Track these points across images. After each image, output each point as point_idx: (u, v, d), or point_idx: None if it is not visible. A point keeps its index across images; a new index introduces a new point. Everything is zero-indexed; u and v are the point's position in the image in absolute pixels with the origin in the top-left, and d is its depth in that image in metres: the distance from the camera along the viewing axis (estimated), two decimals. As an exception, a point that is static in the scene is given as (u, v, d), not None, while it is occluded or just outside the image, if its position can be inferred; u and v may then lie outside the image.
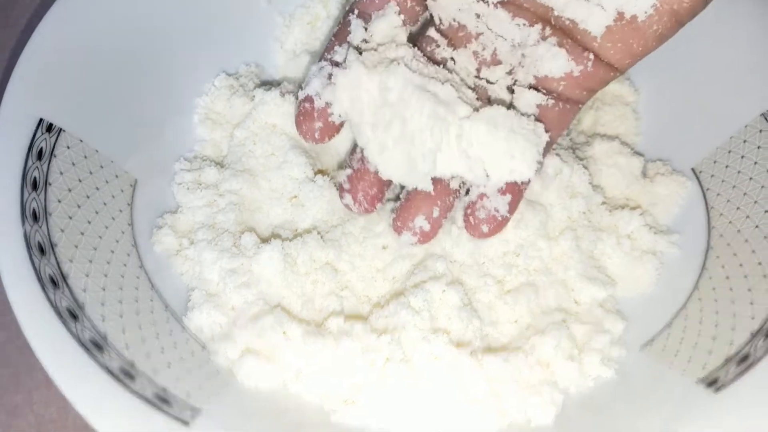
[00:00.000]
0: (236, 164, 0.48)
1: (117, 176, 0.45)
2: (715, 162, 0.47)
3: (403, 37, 0.42)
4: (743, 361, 0.37)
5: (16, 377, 0.46)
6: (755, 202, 0.43)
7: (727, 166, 0.46)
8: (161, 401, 0.34)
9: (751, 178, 0.44)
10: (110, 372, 0.34)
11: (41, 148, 0.41)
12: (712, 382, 0.37)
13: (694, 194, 0.47)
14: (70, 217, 0.40)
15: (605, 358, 0.41)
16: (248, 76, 0.54)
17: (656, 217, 0.48)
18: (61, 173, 0.41)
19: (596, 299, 0.44)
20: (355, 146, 0.43)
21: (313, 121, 0.41)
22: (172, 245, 0.44)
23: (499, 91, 0.42)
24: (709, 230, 0.45)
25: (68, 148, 0.43)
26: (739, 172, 0.45)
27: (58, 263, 0.38)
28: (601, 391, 0.40)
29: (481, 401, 0.39)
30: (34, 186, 0.40)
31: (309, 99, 0.41)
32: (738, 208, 0.44)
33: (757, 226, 0.42)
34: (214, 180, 0.48)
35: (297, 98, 0.42)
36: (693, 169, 0.48)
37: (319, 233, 0.45)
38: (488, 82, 0.42)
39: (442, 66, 0.42)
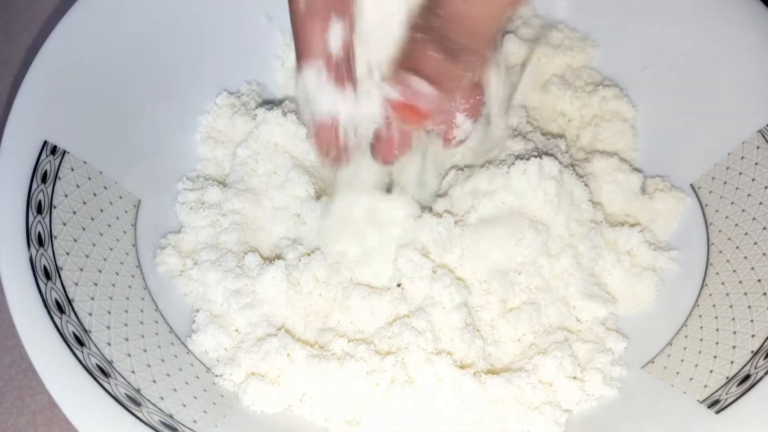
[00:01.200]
0: (239, 183, 0.48)
1: (121, 197, 0.45)
2: (713, 178, 0.47)
3: None
4: (744, 381, 0.37)
5: (21, 400, 0.47)
6: (753, 218, 0.44)
7: (725, 183, 0.46)
8: (168, 428, 0.34)
9: (749, 195, 0.45)
10: (117, 399, 0.34)
11: (46, 171, 0.41)
12: (714, 403, 0.37)
13: (693, 210, 0.48)
14: (75, 240, 0.40)
15: (607, 377, 0.41)
16: (250, 95, 0.54)
17: (655, 233, 0.48)
18: (66, 195, 0.42)
19: (597, 317, 0.44)
20: None
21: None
22: (175, 266, 0.45)
23: None
24: (708, 246, 0.45)
25: (72, 170, 0.43)
26: (737, 188, 0.46)
27: (63, 287, 0.38)
28: (604, 411, 0.40)
29: (484, 422, 0.39)
30: (39, 209, 0.40)
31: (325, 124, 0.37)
32: (737, 225, 0.45)
33: (755, 243, 0.43)
34: (216, 199, 0.48)
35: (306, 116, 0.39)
36: (692, 185, 0.48)
37: (322, 253, 0.45)
38: None
39: None
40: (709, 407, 0.37)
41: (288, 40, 0.56)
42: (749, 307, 0.40)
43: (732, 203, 0.46)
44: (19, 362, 0.48)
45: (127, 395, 0.35)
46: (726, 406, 0.36)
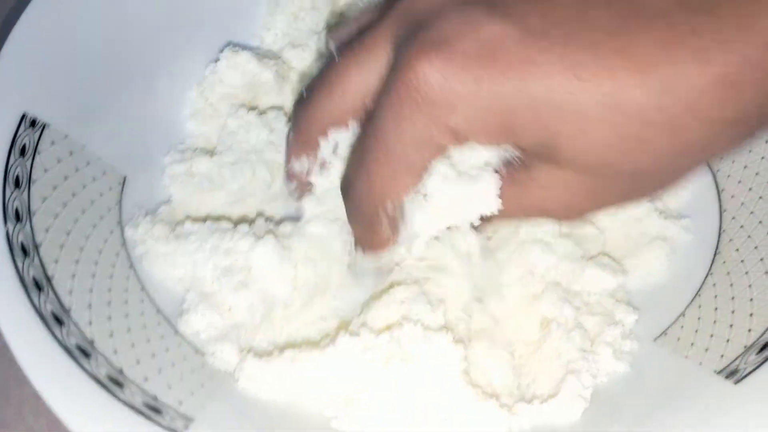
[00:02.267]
0: (228, 154, 0.46)
1: (105, 173, 0.43)
2: (724, 143, 0.45)
3: None
4: (764, 349, 0.35)
5: (6, 391, 0.45)
6: (768, 181, 0.42)
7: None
8: (152, 410, 0.32)
9: (763, 157, 0.43)
10: (97, 380, 0.32)
11: (24, 145, 0.39)
12: (732, 374, 0.35)
13: (704, 177, 0.46)
14: (55, 216, 0.38)
15: (617, 351, 0.40)
16: None
17: (666, 201, 0.46)
18: (46, 170, 0.40)
19: (607, 288, 0.42)
20: None
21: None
22: (163, 241, 0.43)
23: None
24: (720, 213, 0.44)
25: (53, 144, 0.41)
26: (750, 151, 0.44)
27: (42, 264, 0.36)
28: (617, 387, 0.38)
29: (488, 401, 0.37)
30: (17, 184, 0.38)
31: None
32: (750, 189, 0.43)
33: (773, 207, 0.41)
34: (206, 170, 0.46)
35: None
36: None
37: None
38: None
39: None
40: (726, 377, 0.35)
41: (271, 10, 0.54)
42: (766, 272, 0.38)
43: (745, 167, 0.44)
44: (4, 352, 0.46)
45: (108, 376, 0.33)
46: (745, 376, 0.34)
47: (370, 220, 0.36)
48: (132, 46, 0.48)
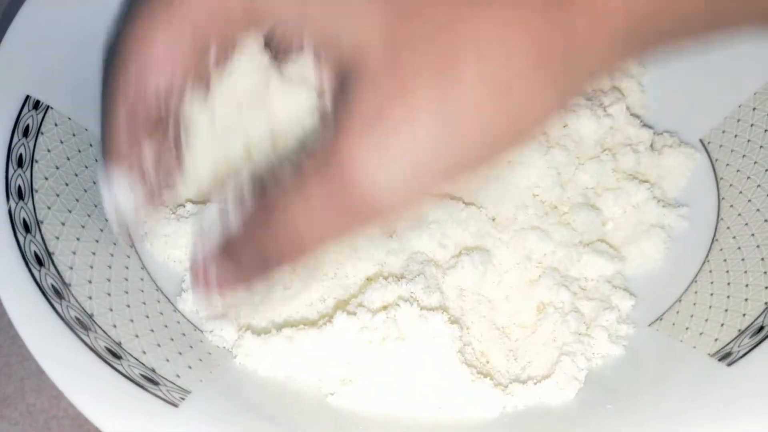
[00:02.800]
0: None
1: (107, 154, 0.43)
2: (723, 132, 0.45)
3: None
4: (758, 332, 0.35)
5: (8, 367, 0.45)
6: (766, 170, 0.42)
7: (736, 136, 0.45)
8: (149, 382, 0.33)
9: (761, 146, 0.43)
10: (96, 352, 0.33)
11: (28, 125, 0.40)
12: (725, 356, 0.35)
13: (702, 166, 0.46)
14: (58, 195, 0.39)
15: (613, 335, 0.40)
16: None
17: (665, 190, 0.46)
18: (49, 151, 0.40)
19: (604, 274, 0.42)
20: None
21: None
22: (164, 222, 0.43)
23: None
24: (718, 201, 0.44)
25: (56, 125, 0.41)
26: (749, 140, 0.44)
27: (43, 240, 0.36)
28: (611, 369, 0.39)
29: (483, 381, 0.37)
30: (20, 163, 0.38)
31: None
32: (748, 178, 0.43)
33: (768, 196, 0.41)
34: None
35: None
36: (701, 141, 0.47)
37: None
38: None
39: None
40: (720, 360, 0.35)
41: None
42: (762, 259, 0.39)
43: (743, 156, 0.44)
44: (7, 329, 0.47)
45: (107, 348, 0.33)
46: (738, 358, 0.35)
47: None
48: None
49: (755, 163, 0.43)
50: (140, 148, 0.32)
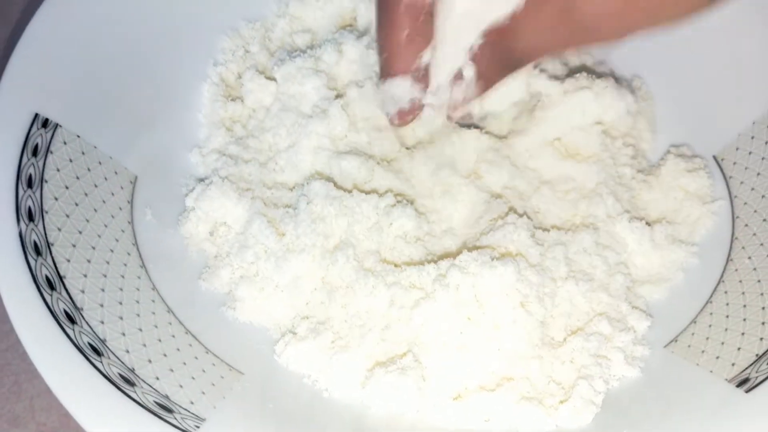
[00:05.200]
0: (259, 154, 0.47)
1: (116, 173, 0.43)
2: (737, 149, 0.45)
3: None
4: (775, 358, 0.35)
5: (18, 385, 0.45)
6: (781, 189, 0.42)
7: (750, 153, 0.44)
8: (164, 410, 0.33)
9: (776, 165, 0.43)
10: (109, 379, 0.32)
11: (37, 144, 0.40)
12: (743, 382, 0.35)
13: (717, 183, 0.45)
14: (68, 216, 0.39)
15: (629, 356, 0.39)
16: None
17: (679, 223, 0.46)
18: (58, 170, 0.40)
19: (622, 293, 0.42)
20: None
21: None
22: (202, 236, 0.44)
23: None
24: (733, 220, 0.43)
25: (65, 144, 0.41)
26: (763, 158, 0.44)
27: (54, 263, 0.36)
28: (628, 393, 0.38)
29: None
30: (30, 183, 0.38)
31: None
32: (763, 197, 0.43)
33: (784, 215, 0.41)
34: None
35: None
36: (714, 157, 0.46)
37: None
38: None
39: None
40: (737, 386, 0.35)
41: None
42: (778, 281, 0.38)
43: (758, 174, 0.43)
44: (16, 347, 0.47)
45: (120, 375, 0.33)
46: (756, 385, 0.34)
47: (397, 39, 0.37)
48: (141, 46, 0.48)
49: (771, 181, 0.42)
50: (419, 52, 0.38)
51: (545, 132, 0.46)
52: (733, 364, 0.36)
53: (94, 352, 0.33)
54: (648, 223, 0.44)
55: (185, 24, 0.50)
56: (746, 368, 0.35)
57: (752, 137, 0.44)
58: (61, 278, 0.36)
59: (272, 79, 0.49)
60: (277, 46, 0.53)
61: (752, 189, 0.43)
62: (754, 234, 0.41)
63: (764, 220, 0.41)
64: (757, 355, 0.36)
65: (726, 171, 0.45)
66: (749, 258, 0.41)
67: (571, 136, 0.46)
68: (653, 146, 0.49)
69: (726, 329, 0.38)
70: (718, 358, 0.37)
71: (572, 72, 0.48)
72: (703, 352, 0.38)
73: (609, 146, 0.46)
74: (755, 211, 0.42)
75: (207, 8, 0.51)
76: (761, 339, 0.36)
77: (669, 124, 0.49)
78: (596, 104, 0.46)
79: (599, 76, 0.48)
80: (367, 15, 0.52)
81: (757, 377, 0.35)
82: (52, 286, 0.35)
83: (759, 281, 0.39)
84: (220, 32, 0.52)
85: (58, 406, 0.44)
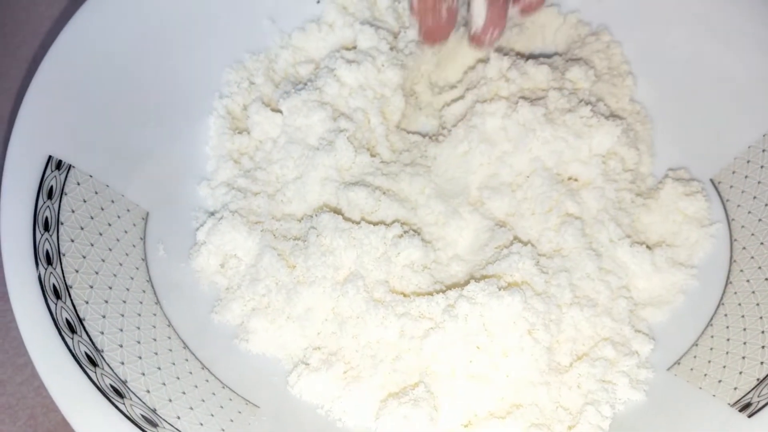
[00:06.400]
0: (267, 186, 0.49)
1: (128, 210, 0.44)
2: (734, 172, 0.46)
3: None
4: (776, 382, 0.36)
5: (34, 419, 0.46)
6: (778, 213, 0.43)
7: (746, 177, 0.45)
8: (186, 449, 0.34)
9: (772, 188, 0.44)
10: (133, 421, 0.33)
11: (51, 187, 0.41)
12: (745, 407, 0.36)
13: (714, 206, 0.47)
14: (84, 257, 0.40)
15: (633, 380, 0.40)
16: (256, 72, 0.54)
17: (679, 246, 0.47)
18: (73, 211, 0.41)
19: (625, 317, 0.43)
20: None
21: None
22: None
23: None
24: (731, 243, 0.44)
25: (78, 184, 0.42)
26: (759, 182, 0.45)
27: (74, 306, 0.37)
28: (634, 417, 0.40)
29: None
30: (46, 226, 0.39)
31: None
32: (760, 220, 0.44)
33: (780, 238, 0.42)
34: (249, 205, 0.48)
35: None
36: (712, 180, 0.47)
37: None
38: None
39: None
40: (740, 411, 0.36)
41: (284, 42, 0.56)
42: (777, 304, 0.39)
43: (754, 198, 0.45)
44: (31, 380, 0.48)
45: (143, 416, 0.34)
46: (758, 410, 0.35)
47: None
48: (146, 83, 0.49)
49: (766, 205, 0.43)
50: None
51: (544, 163, 0.47)
52: (735, 388, 0.37)
53: (116, 393, 0.34)
54: (648, 247, 0.45)
55: (189, 57, 0.51)
56: (748, 392, 0.37)
57: (748, 161, 0.45)
58: (80, 321, 0.37)
59: (278, 110, 0.51)
60: (281, 77, 0.54)
61: (749, 212, 0.44)
62: (752, 257, 0.42)
63: (761, 243, 0.43)
64: (758, 379, 0.37)
65: (723, 194, 0.46)
66: (747, 281, 0.42)
67: (569, 166, 0.47)
68: (652, 170, 0.50)
69: (727, 352, 0.39)
70: (720, 381, 0.38)
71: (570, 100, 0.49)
72: (705, 375, 0.39)
73: (608, 172, 0.47)
74: (752, 234, 0.43)
75: (211, 41, 0.52)
76: (762, 363, 0.37)
77: (667, 148, 0.50)
78: (583, 141, 0.47)
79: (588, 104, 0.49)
80: (365, 44, 0.53)
81: (759, 402, 0.36)
82: (72, 329, 0.36)
83: (758, 304, 0.40)
84: (225, 65, 0.53)
85: None
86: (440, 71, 0.56)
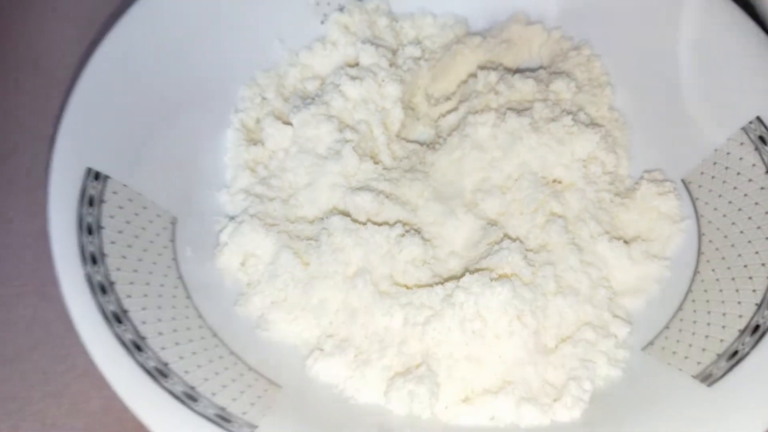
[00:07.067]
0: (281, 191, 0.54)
1: (158, 215, 0.49)
2: (702, 173, 0.51)
3: None
4: (732, 356, 0.41)
5: (75, 405, 0.50)
6: (739, 209, 0.48)
7: (713, 177, 0.50)
8: (222, 420, 0.39)
9: (735, 188, 0.49)
10: (176, 396, 0.39)
11: (91, 196, 0.45)
12: (706, 378, 0.41)
13: (685, 204, 0.52)
14: (124, 257, 0.45)
15: (612, 359, 0.46)
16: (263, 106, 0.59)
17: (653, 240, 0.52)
18: (111, 217, 0.46)
19: (604, 304, 0.48)
20: None
21: None
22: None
23: None
24: (699, 237, 0.49)
25: (115, 193, 0.47)
26: (724, 182, 0.50)
27: (118, 300, 0.42)
28: (611, 390, 0.45)
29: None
30: (90, 231, 0.44)
31: None
32: (724, 216, 0.49)
33: (741, 232, 0.47)
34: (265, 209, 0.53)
35: None
36: (683, 180, 0.52)
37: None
38: None
39: None
40: (702, 381, 0.41)
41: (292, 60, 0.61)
42: (737, 290, 0.45)
43: (720, 196, 0.50)
44: (72, 370, 0.52)
45: (184, 392, 0.39)
46: (717, 379, 0.41)
47: None
48: (172, 101, 0.54)
49: (730, 202, 0.49)
50: None
51: (530, 167, 0.52)
52: (698, 363, 0.42)
53: (160, 374, 0.39)
54: (626, 242, 0.50)
55: (209, 77, 0.56)
56: (709, 366, 0.42)
57: (714, 163, 0.51)
58: (125, 312, 0.42)
59: (288, 123, 0.56)
60: (291, 92, 0.59)
61: (715, 209, 0.49)
62: (717, 249, 0.48)
63: (725, 236, 0.48)
64: (717, 354, 0.42)
65: (693, 193, 0.51)
66: (713, 270, 0.47)
67: (553, 170, 0.52)
68: (629, 172, 0.55)
69: (693, 333, 0.45)
70: (686, 358, 0.43)
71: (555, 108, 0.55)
72: (674, 353, 0.44)
73: (589, 175, 0.52)
74: (718, 229, 0.48)
75: (227, 61, 0.57)
76: (722, 341, 0.43)
77: (643, 152, 0.55)
78: (566, 147, 0.53)
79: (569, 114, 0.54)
80: (367, 61, 0.58)
81: (717, 373, 0.41)
82: (119, 320, 0.41)
83: (721, 290, 0.45)
84: (240, 82, 0.59)
85: (112, 422, 0.50)
86: (436, 84, 0.61)
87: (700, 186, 0.51)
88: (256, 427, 0.39)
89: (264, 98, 0.59)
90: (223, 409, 0.40)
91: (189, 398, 0.39)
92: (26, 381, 0.52)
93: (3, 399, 0.51)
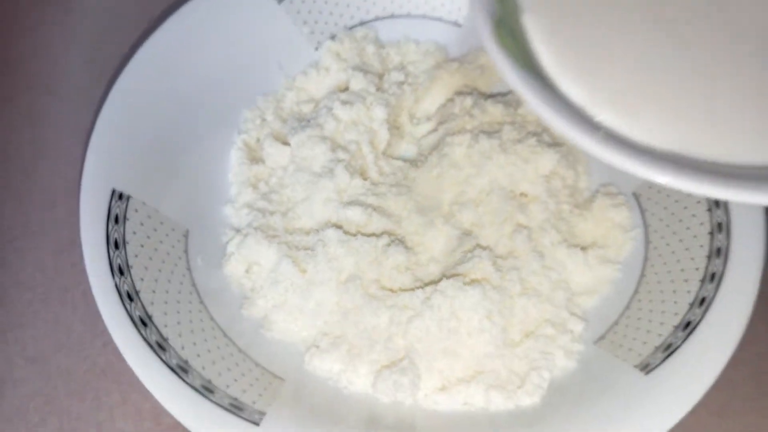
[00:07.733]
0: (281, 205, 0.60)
1: (173, 229, 0.55)
2: (650, 187, 0.57)
3: None
4: (667, 348, 0.48)
5: (98, 400, 0.55)
6: (680, 220, 0.54)
7: (659, 191, 0.57)
8: (236, 408, 0.46)
9: (676, 201, 0.55)
10: (195, 389, 0.45)
11: (117, 214, 0.51)
12: (645, 367, 0.48)
13: (635, 215, 0.58)
14: (146, 268, 0.51)
15: (568, 352, 0.52)
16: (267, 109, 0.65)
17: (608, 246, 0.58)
18: (134, 233, 0.52)
19: (563, 303, 0.54)
20: None
21: None
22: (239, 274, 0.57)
23: None
24: (647, 244, 0.56)
25: (136, 211, 0.53)
26: (668, 195, 0.56)
27: (143, 306, 0.49)
28: (568, 380, 0.51)
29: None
30: (116, 246, 0.50)
31: None
32: (667, 225, 0.55)
33: (681, 240, 0.54)
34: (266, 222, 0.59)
35: None
36: (634, 193, 0.59)
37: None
38: None
39: None
40: (641, 370, 0.48)
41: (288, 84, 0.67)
42: (674, 291, 0.51)
43: (665, 208, 0.56)
44: (93, 369, 0.57)
45: (202, 386, 0.46)
46: (653, 368, 0.47)
47: None
48: (183, 124, 0.60)
49: (672, 214, 0.55)
50: None
51: (500, 183, 0.59)
52: (639, 354, 0.49)
53: (181, 370, 0.46)
54: (583, 248, 0.57)
55: (215, 100, 0.62)
56: (647, 356, 0.48)
57: (660, 178, 0.57)
58: (149, 317, 0.48)
59: (287, 143, 0.62)
60: (288, 113, 0.66)
61: (660, 219, 0.56)
62: (660, 255, 0.54)
63: (667, 244, 0.54)
64: (655, 347, 0.49)
65: (642, 205, 0.58)
66: (656, 273, 0.54)
67: (520, 185, 0.59)
68: (587, 185, 0.62)
69: (637, 328, 0.51)
70: (630, 350, 0.50)
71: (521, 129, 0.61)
72: (621, 346, 0.51)
73: (551, 189, 0.59)
74: (662, 237, 0.55)
75: (231, 86, 0.63)
76: (659, 335, 0.49)
77: (599, 167, 0.61)
78: (530, 165, 0.59)
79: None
80: (356, 86, 0.65)
81: (654, 363, 0.48)
82: (144, 324, 0.48)
83: (661, 291, 0.52)
84: (242, 105, 0.65)
85: (132, 414, 0.55)
86: (418, 105, 0.68)
87: (648, 198, 0.58)
88: (264, 413, 0.46)
89: (263, 120, 0.65)
90: (236, 399, 0.47)
91: (207, 390, 0.46)
92: (51, 380, 0.57)
93: (31, 395, 0.56)
